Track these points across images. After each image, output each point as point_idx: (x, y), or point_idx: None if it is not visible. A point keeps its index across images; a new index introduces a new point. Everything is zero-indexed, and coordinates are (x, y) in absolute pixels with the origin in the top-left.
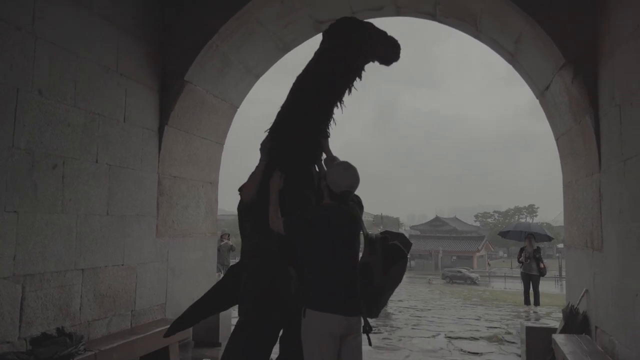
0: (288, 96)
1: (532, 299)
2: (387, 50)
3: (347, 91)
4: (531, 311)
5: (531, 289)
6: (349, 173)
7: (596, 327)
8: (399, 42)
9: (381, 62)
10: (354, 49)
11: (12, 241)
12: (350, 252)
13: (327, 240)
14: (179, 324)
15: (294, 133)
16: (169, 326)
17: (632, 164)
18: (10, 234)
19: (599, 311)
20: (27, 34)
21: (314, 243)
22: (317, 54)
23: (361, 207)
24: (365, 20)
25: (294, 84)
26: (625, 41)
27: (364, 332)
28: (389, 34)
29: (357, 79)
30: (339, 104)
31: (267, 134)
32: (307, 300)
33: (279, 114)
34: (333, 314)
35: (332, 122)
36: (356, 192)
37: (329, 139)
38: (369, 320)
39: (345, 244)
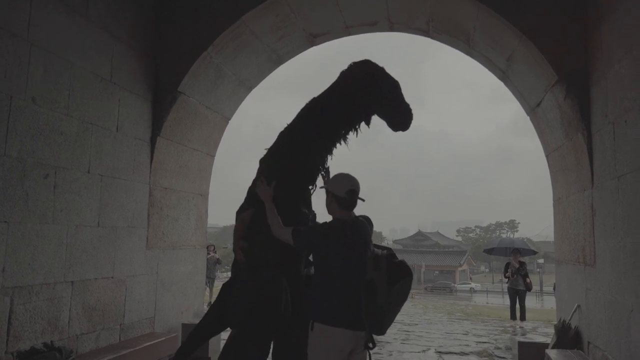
0: (295, 120)
1: (517, 314)
2: (399, 119)
3: (352, 132)
4: (517, 326)
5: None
6: (348, 176)
7: (589, 343)
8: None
9: (388, 125)
10: (367, 103)
11: (1, 252)
12: (360, 267)
13: (338, 254)
14: (185, 350)
15: (294, 156)
16: (159, 340)
17: (626, 181)
18: (0, 244)
19: (592, 326)
20: (22, 41)
21: (325, 256)
22: (331, 91)
23: (370, 224)
24: (389, 75)
25: (305, 110)
26: (619, 60)
27: (365, 348)
28: (405, 100)
29: (365, 124)
30: (342, 141)
31: (267, 152)
32: (315, 313)
33: (282, 134)
34: (342, 328)
35: (330, 156)
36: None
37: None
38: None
39: (356, 258)
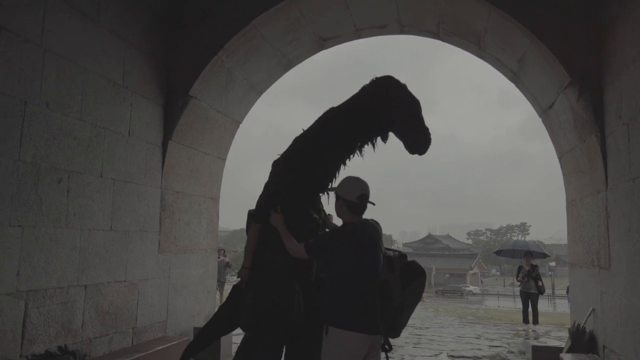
0: (312, 128)
1: (530, 318)
2: (417, 142)
3: (367, 145)
4: (530, 330)
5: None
6: (358, 180)
7: (604, 347)
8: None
9: (405, 147)
10: (387, 119)
11: (16, 256)
12: (372, 270)
13: (350, 258)
14: (192, 348)
15: (306, 163)
16: (171, 344)
17: None
18: (15, 248)
19: (607, 330)
20: (36, 47)
21: (337, 261)
22: (352, 103)
23: (379, 228)
24: (411, 93)
25: (323, 119)
26: (633, 61)
27: (382, 351)
28: (425, 122)
29: (381, 139)
30: (357, 152)
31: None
32: (329, 317)
33: (297, 141)
34: (356, 332)
35: (344, 166)
36: None
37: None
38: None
39: (368, 261)
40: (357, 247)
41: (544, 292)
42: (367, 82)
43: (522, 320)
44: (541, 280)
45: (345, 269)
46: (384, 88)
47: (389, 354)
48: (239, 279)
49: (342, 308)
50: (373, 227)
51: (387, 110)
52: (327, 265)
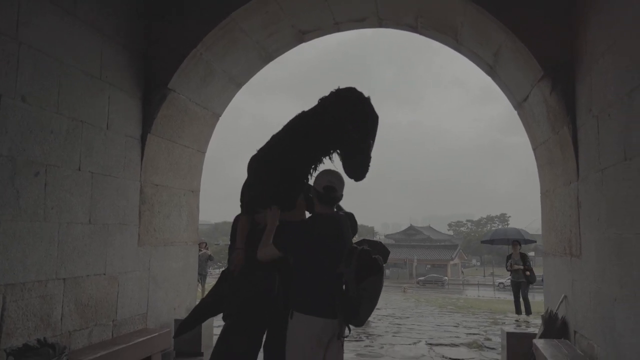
0: (282, 131)
1: (522, 308)
2: (359, 167)
3: (332, 153)
4: (522, 320)
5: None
6: (328, 171)
7: (575, 332)
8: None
9: (345, 167)
10: (351, 130)
11: None
12: (331, 260)
13: (313, 246)
14: (185, 325)
15: (280, 163)
16: (152, 336)
17: (609, 173)
18: None
19: (578, 316)
20: (11, 40)
21: (301, 248)
22: (316, 111)
23: (353, 221)
24: (373, 108)
25: (291, 124)
26: (602, 55)
27: (337, 338)
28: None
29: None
30: (326, 159)
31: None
32: (294, 302)
33: (274, 138)
34: (318, 317)
35: (313, 171)
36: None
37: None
38: (351, 327)
39: (327, 252)
40: (315, 239)
41: (534, 281)
42: (329, 92)
43: (515, 312)
44: (530, 270)
45: (305, 258)
46: (351, 99)
47: (364, 344)
48: (234, 262)
49: (304, 295)
50: (337, 220)
51: (352, 125)
52: (292, 254)
